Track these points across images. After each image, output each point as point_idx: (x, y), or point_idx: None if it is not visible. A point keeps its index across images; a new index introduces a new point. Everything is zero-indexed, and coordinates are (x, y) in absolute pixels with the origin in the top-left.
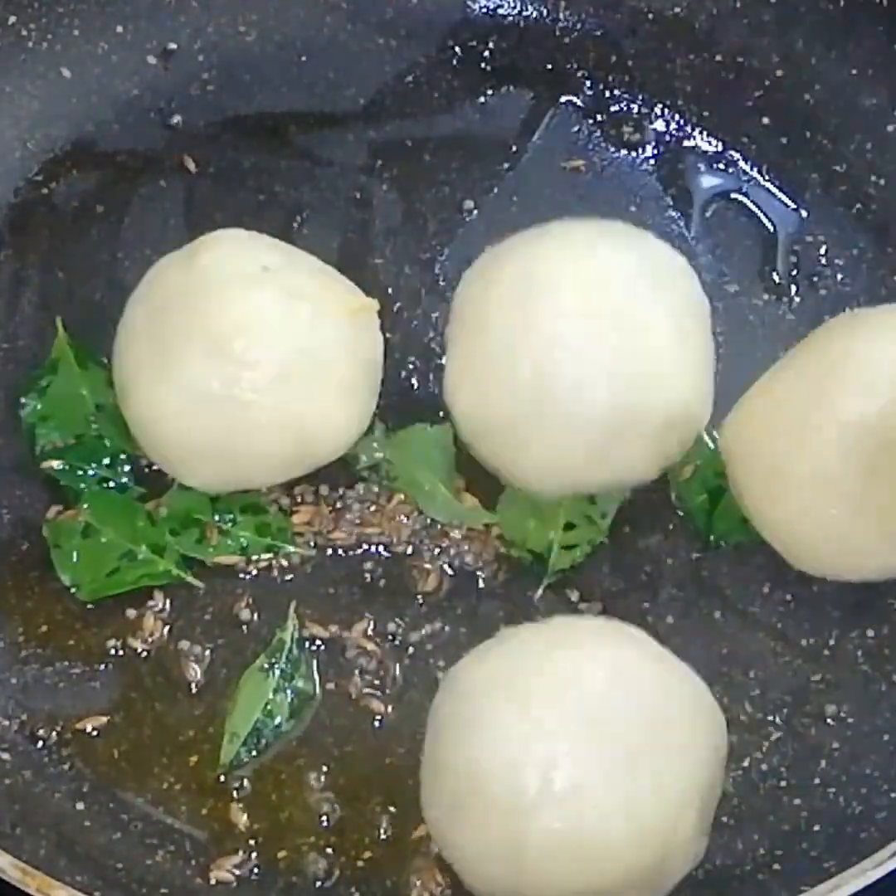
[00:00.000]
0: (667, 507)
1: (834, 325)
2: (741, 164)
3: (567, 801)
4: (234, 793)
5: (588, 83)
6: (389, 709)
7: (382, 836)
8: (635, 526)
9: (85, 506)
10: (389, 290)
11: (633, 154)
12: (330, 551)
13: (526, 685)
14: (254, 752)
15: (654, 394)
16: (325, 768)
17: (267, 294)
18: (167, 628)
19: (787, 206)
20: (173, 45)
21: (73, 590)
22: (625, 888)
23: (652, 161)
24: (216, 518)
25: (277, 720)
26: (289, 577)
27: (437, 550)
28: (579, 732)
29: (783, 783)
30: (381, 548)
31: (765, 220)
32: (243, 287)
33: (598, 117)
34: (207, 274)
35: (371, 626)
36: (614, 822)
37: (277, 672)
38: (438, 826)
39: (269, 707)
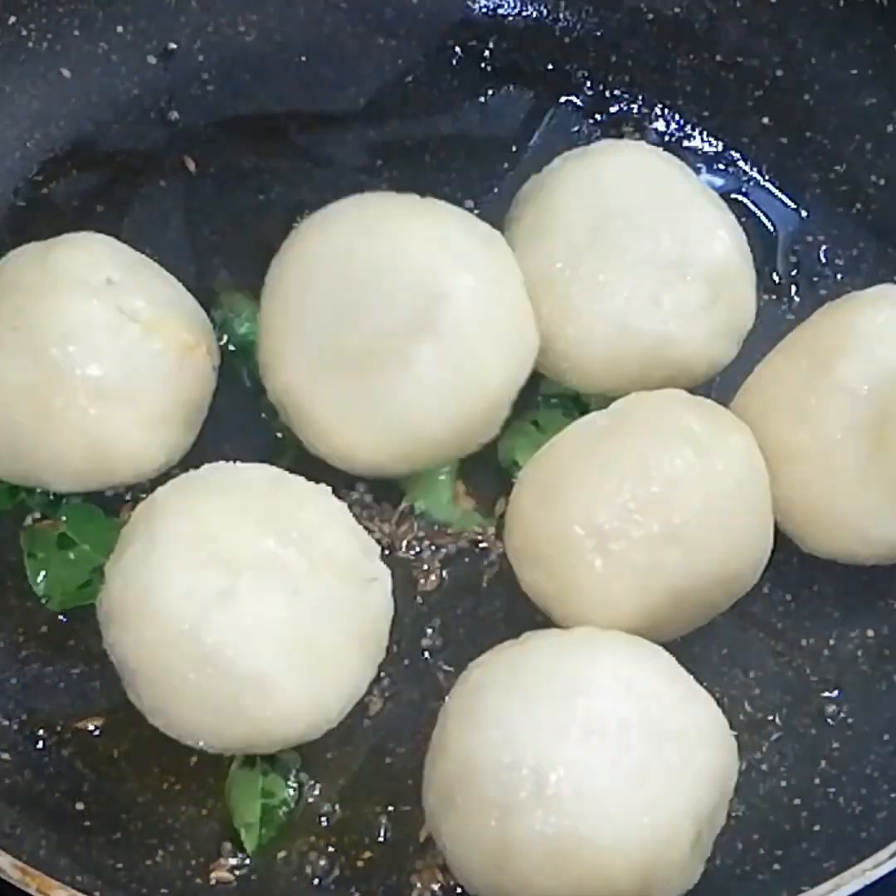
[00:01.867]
0: None
1: (829, 306)
2: (741, 164)
3: (558, 806)
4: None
5: (588, 83)
6: (389, 709)
7: (382, 837)
8: None
9: (63, 517)
10: None
11: None
12: None
13: (534, 687)
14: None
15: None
16: (325, 768)
17: (100, 308)
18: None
19: (787, 206)
20: (173, 45)
21: (44, 600)
22: None
23: None
24: None
25: (282, 796)
26: None
27: (437, 551)
28: (580, 740)
29: (783, 783)
30: (382, 549)
31: (765, 220)
32: (79, 295)
33: (598, 117)
34: (52, 274)
35: None
36: (604, 832)
37: (257, 762)
38: (432, 814)
39: (267, 789)
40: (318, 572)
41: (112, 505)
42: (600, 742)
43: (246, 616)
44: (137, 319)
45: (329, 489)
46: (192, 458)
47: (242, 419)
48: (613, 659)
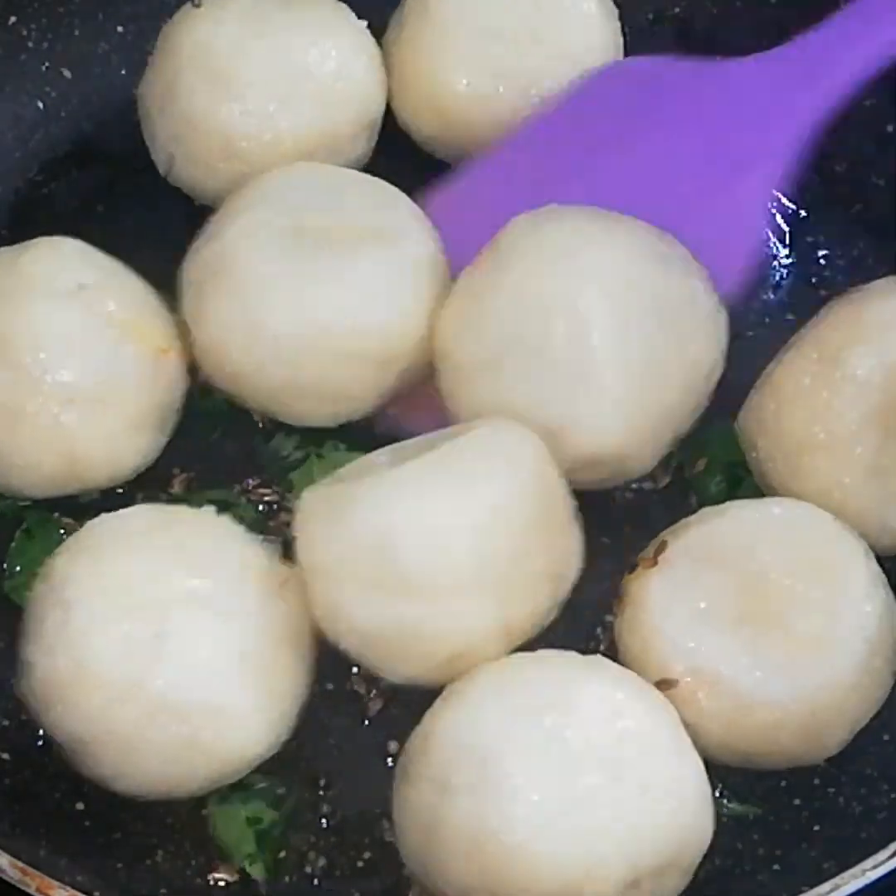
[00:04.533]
0: (682, 503)
1: (835, 301)
2: None
3: (496, 799)
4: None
5: None
6: (389, 708)
7: (382, 837)
8: (648, 525)
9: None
10: None
11: None
12: None
13: (512, 690)
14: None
15: None
16: (325, 768)
17: (73, 313)
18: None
19: (787, 206)
20: None
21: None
22: None
23: None
24: None
25: (270, 817)
26: None
27: None
28: (540, 746)
29: (783, 783)
30: None
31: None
32: (51, 300)
33: None
34: (22, 279)
35: None
36: (530, 841)
37: (231, 794)
38: (393, 797)
39: (252, 816)
40: (236, 589)
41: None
42: (559, 755)
43: (185, 653)
44: (109, 323)
45: (213, 508)
46: (165, 461)
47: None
48: (610, 687)
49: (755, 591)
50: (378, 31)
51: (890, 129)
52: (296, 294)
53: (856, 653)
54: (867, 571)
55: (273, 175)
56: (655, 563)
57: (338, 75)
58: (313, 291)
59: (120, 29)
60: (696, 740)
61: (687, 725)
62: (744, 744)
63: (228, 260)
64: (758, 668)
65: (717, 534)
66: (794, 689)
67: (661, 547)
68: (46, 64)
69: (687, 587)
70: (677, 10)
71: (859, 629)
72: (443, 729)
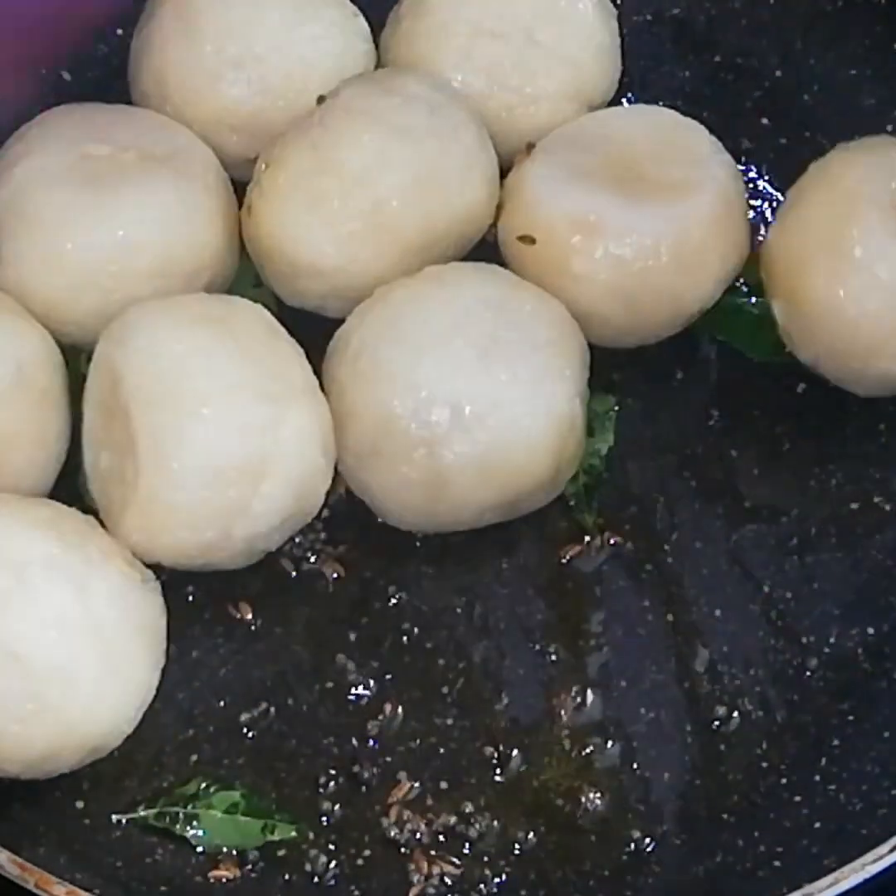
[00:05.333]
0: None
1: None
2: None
3: (476, 428)
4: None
5: None
6: (388, 708)
7: (382, 836)
8: None
9: None
10: None
11: None
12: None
13: (414, 334)
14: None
15: None
16: (324, 766)
17: None
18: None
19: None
20: None
21: None
22: (530, 496)
23: None
24: None
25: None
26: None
27: None
28: (475, 368)
29: (784, 780)
30: None
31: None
32: None
33: None
34: None
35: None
36: (522, 434)
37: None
38: (353, 473)
39: (251, 814)
40: (100, 568)
41: None
42: (493, 364)
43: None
44: None
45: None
46: None
47: None
48: (472, 286)
49: (622, 160)
50: (376, 28)
51: (889, 129)
52: (93, 218)
53: (712, 194)
54: (710, 141)
55: (51, 114)
56: (529, 155)
57: (322, 54)
58: (109, 214)
59: (120, 31)
60: (589, 292)
61: (577, 278)
62: (627, 281)
63: (20, 201)
64: (632, 208)
65: (583, 127)
66: (666, 220)
67: (531, 144)
68: (46, 65)
69: (562, 164)
70: (677, 10)
71: (712, 178)
72: (392, 403)
